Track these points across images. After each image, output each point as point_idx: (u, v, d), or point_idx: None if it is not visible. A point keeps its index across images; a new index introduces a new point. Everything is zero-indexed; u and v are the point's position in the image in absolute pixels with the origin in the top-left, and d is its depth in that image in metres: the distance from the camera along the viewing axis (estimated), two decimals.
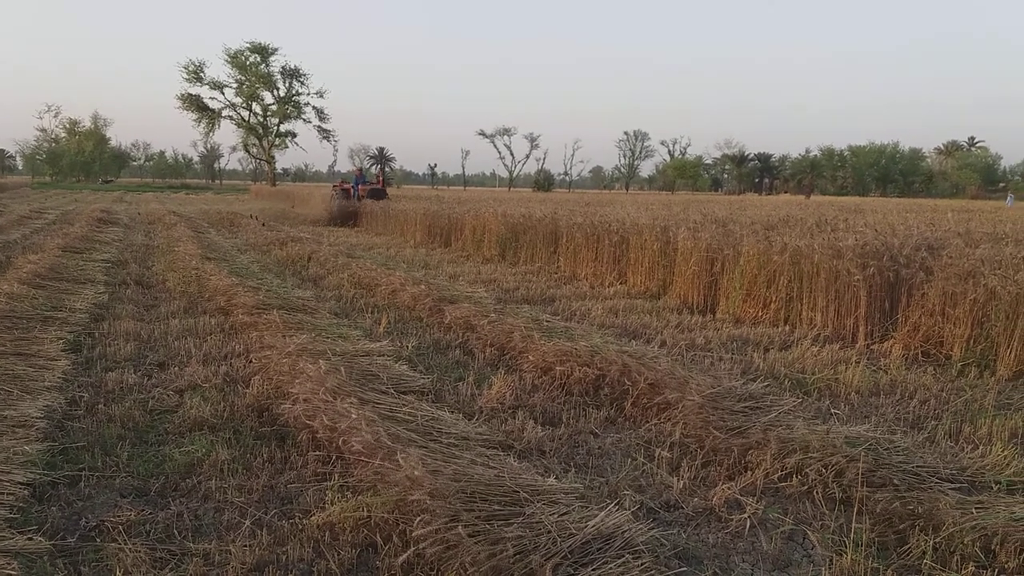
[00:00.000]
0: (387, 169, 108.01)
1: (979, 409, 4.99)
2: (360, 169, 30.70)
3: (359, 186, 25.44)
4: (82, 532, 3.18)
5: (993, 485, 3.65)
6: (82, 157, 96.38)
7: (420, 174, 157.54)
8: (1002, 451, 4.02)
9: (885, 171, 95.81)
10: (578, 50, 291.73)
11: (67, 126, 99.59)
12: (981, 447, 4.19)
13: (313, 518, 3.29)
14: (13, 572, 2.72)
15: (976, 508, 3.26)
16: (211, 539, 3.13)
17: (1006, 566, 2.98)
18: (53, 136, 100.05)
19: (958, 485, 3.59)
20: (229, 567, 2.91)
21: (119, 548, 2.98)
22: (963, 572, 2.94)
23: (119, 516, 3.27)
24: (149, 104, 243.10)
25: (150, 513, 3.34)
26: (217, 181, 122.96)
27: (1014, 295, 5.93)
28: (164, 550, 3.03)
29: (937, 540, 3.11)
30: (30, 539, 2.96)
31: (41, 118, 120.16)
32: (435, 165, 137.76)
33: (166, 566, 2.93)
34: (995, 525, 3.10)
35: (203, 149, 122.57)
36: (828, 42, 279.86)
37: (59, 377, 5.16)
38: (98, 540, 3.11)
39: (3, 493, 3.30)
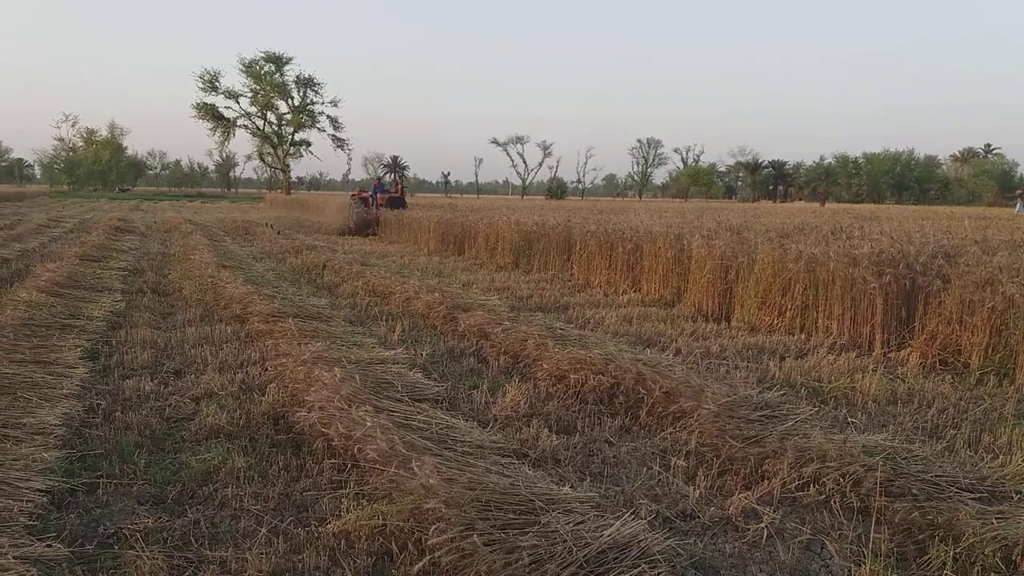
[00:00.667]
0: (402, 177, 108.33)
1: (998, 418, 4.93)
2: (379, 178, 30.87)
3: (378, 195, 25.49)
4: (100, 539, 3.20)
5: (1013, 495, 3.60)
6: (99, 166, 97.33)
7: (434, 182, 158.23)
8: (1022, 460, 3.97)
9: (900, 178, 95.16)
10: (590, 57, 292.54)
11: (84, 135, 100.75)
12: (1001, 456, 4.14)
13: (329, 526, 3.30)
14: None
15: (996, 518, 3.23)
16: (228, 546, 3.15)
17: None
18: (70, 145, 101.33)
19: (978, 495, 3.55)
20: (246, 574, 2.92)
21: (137, 555, 3.00)
22: None
23: (137, 523, 3.29)
24: (165, 113, 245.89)
25: (167, 520, 3.36)
26: (232, 190, 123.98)
27: None
28: (181, 557, 3.05)
29: (957, 550, 3.08)
30: (49, 546, 2.98)
31: (59, 127, 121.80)
32: (448, 173, 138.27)
33: (183, 573, 2.95)
34: (1016, 535, 3.07)
35: (218, 158, 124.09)
36: (839, 46, 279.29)
37: (77, 385, 5.21)
38: (116, 547, 3.13)
39: (22, 500, 3.33)
